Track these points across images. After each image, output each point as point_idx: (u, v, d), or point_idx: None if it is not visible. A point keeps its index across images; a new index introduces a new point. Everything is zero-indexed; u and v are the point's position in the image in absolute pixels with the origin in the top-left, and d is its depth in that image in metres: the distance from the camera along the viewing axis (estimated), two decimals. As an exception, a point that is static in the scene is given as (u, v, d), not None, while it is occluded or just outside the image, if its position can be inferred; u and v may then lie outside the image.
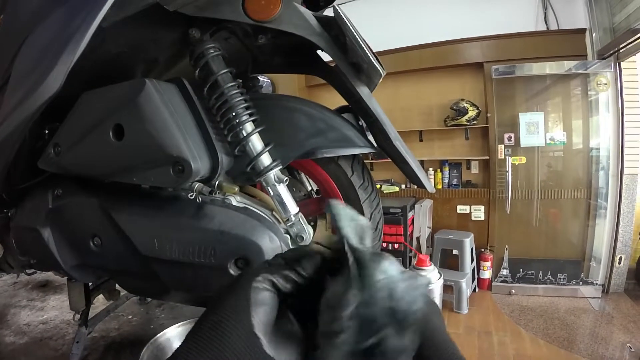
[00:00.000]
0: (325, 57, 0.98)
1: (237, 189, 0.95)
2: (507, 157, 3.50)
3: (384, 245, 3.27)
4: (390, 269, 0.29)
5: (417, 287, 0.29)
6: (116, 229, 0.97)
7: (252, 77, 1.23)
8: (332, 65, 0.98)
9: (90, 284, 1.55)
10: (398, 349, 0.28)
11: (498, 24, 3.56)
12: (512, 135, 3.56)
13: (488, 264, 3.51)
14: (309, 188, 1.30)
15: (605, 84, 3.24)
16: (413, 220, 3.49)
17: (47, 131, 1.07)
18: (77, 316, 1.54)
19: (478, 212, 3.79)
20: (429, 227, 3.82)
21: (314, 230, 1.19)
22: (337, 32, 0.86)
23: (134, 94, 0.84)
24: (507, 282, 3.49)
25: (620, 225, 3.21)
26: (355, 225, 0.33)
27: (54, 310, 2.25)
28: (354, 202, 1.11)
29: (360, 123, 1.08)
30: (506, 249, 3.56)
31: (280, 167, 0.95)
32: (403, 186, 4.08)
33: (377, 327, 0.27)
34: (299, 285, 0.32)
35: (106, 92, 0.90)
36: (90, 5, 0.78)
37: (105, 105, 0.89)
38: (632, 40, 2.87)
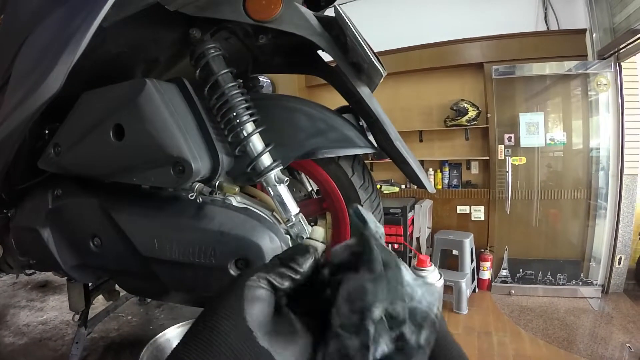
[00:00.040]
0: (326, 57, 0.98)
1: (237, 189, 0.95)
2: (507, 157, 3.50)
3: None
4: (406, 274, 0.31)
5: (434, 293, 0.31)
6: (116, 229, 0.97)
7: (252, 77, 1.23)
8: (333, 65, 0.98)
9: (89, 284, 1.54)
10: (416, 347, 0.29)
11: (498, 24, 3.56)
12: (512, 135, 3.57)
13: (488, 264, 3.51)
14: (310, 188, 1.30)
15: (606, 84, 3.24)
16: (413, 220, 3.49)
17: (47, 131, 1.07)
18: (77, 317, 1.54)
19: (478, 213, 3.79)
20: (429, 228, 3.82)
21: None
22: (338, 32, 0.85)
23: (134, 94, 0.84)
24: (506, 282, 3.49)
25: (620, 226, 3.22)
26: (375, 229, 0.35)
27: (54, 310, 2.25)
28: (355, 203, 1.11)
29: (360, 123, 1.07)
30: (506, 249, 3.57)
31: (281, 167, 0.95)
32: (403, 186, 4.08)
33: (397, 325, 0.28)
34: (296, 281, 0.32)
35: (106, 92, 0.90)
36: (90, 5, 0.78)
37: (105, 105, 0.89)
38: (633, 41, 2.88)
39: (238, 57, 1.08)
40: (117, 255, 1.00)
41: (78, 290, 1.49)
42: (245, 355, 0.27)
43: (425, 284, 0.31)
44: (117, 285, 1.62)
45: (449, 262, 3.56)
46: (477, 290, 3.48)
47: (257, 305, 0.29)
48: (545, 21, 3.54)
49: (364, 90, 0.92)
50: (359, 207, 0.37)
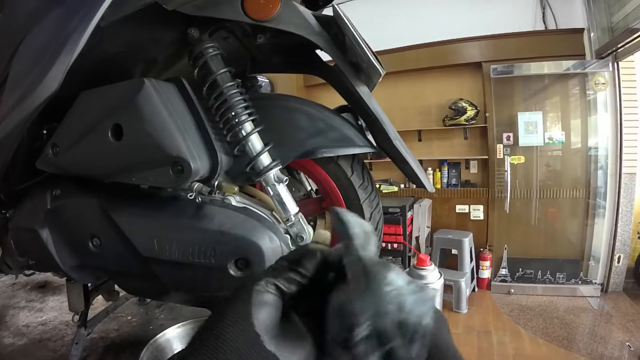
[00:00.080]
0: (325, 56, 0.98)
1: (236, 189, 0.95)
2: (505, 156, 3.51)
3: (384, 245, 3.27)
4: (397, 279, 0.29)
5: (425, 301, 0.29)
6: (115, 230, 0.97)
7: (251, 76, 1.23)
8: (332, 64, 0.98)
9: (89, 284, 1.54)
10: None
11: (496, 23, 3.57)
12: (511, 134, 3.57)
13: (487, 263, 3.52)
14: (309, 188, 1.30)
15: (604, 83, 3.24)
16: (412, 219, 3.50)
17: (45, 131, 1.06)
18: (76, 317, 1.53)
19: (477, 212, 3.79)
20: (428, 227, 3.82)
21: (314, 230, 1.19)
22: (337, 31, 0.85)
23: (132, 94, 0.83)
24: (506, 281, 3.49)
25: (618, 224, 3.22)
26: (360, 232, 0.33)
27: (53, 311, 2.24)
28: (354, 202, 1.11)
29: (359, 123, 1.07)
30: (505, 248, 3.57)
31: (280, 166, 0.95)
32: (402, 186, 4.09)
33: (386, 340, 0.27)
34: (302, 285, 0.32)
35: (105, 91, 0.90)
36: (88, 4, 0.77)
37: (103, 105, 0.89)
38: (630, 40, 2.88)
39: (236, 57, 1.08)
40: (116, 255, 1.00)
41: (77, 290, 1.49)
42: None
43: (418, 290, 0.30)
44: (116, 286, 1.61)
45: (448, 261, 3.56)
46: (476, 289, 3.49)
47: (265, 309, 0.29)
48: (544, 20, 3.55)
49: (362, 90, 0.92)
50: (339, 210, 0.34)
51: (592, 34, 3.29)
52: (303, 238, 0.93)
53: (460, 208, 3.85)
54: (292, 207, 0.93)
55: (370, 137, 1.06)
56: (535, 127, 3.51)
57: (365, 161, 1.29)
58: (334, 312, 0.29)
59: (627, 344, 2.45)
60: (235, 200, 0.94)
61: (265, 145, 0.94)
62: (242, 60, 1.14)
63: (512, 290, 3.40)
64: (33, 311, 2.25)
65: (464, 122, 3.68)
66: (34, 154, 1.04)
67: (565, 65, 3.37)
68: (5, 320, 2.14)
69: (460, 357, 0.35)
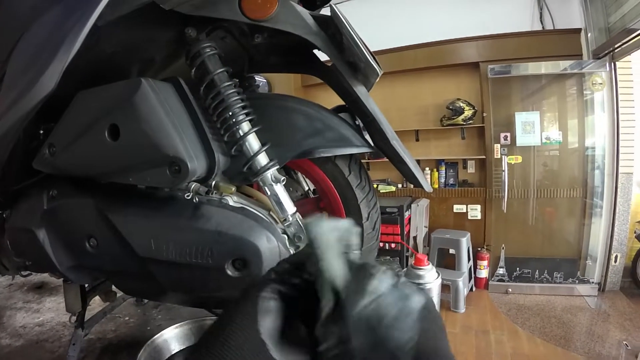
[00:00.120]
0: (322, 56, 0.98)
1: (234, 189, 0.95)
2: (503, 156, 3.52)
3: (381, 245, 3.27)
4: (380, 286, 0.28)
5: (409, 313, 0.28)
6: (112, 230, 0.96)
7: (248, 76, 1.23)
8: (329, 64, 0.98)
9: (86, 285, 1.53)
10: None
11: (494, 23, 3.58)
12: (508, 134, 3.58)
13: (485, 263, 3.53)
14: (306, 188, 1.30)
15: (601, 83, 3.26)
16: (410, 219, 3.50)
17: (42, 131, 1.06)
18: (74, 318, 1.52)
19: (474, 212, 3.80)
20: (426, 227, 3.83)
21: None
22: (334, 31, 0.85)
23: (129, 94, 0.83)
24: (503, 281, 3.50)
25: (615, 224, 3.24)
26: (337, 236, 0.31)
27: (50, 312, 2.23)
28: (351, 202, 1.11)
29: (357, 122, 1.07)
30: (503, 248, 3.58)
31: (277, 166, 0.95)
32: (399, 186, 4.09)
33: (370, 358, 0.26)
34: (306, 288, 0.32)
35: (101, 91, 0.90)
36: (85, 3, 0.77)
37: (100, 105, 0.88)
38: (627, 40, 2.89)
39: (234, 57, 1.08)
40: (113, 255, 1.00)
41: (74, 291, 1.48)
42: None
43: (403, 297, 0.28)
44: (113, 286, 1.61)
45: (446, 261, 3.57)
46: (474, 288, 3.50)
47: (269, 316, 0.29)
48: (541, 21, 3.56)
49: (360, 90, 0.92)
50: (311, 222, 0.32)
51: (589, 34, 3.30)
52: (301, 238, 0.94)
53: (458, 208, 3.86)
54: (290, 207, 0.93)
55: (367, 137, 1.06)
56: (532, 127, 3.52)
57: (362, 161, 1.30)
58: (318, 329, 0.29)
59: (624, 342, 2.46)
60: (232, 201, 0.94)
61: (263, 145, 0.93)
62: (240, 60, 1.14)
63: (510, 290, 3.41)
64: (30, 312, 2.23)
65: (462, 122, 3.69)
66: (31, 154, 1.03)
67: (563, 65, 3.38)
68: (2, 321, 2.13)
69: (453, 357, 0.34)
